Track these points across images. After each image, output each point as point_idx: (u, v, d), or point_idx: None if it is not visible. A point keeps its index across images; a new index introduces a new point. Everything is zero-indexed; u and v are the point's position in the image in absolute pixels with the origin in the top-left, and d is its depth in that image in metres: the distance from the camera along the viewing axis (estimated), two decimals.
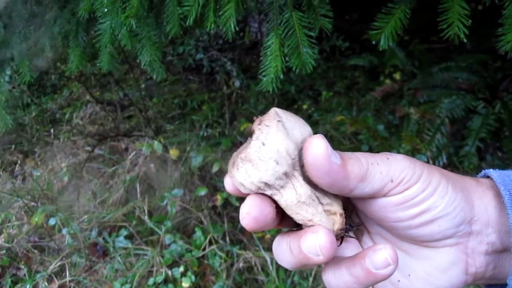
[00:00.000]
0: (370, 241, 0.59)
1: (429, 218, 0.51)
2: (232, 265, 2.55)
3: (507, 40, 1.08)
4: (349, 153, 0.50)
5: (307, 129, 0.50)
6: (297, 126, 0.49)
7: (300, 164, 0.48)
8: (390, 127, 3.27)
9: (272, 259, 2.51)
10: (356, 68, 4.10)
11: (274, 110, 0.48)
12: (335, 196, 0.52)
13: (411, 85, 3.56)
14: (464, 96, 3.14)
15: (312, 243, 0.47)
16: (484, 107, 3.08)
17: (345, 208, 0.53)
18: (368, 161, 0.49)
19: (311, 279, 2.42)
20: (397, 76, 3.82)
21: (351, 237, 0.56)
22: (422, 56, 3.94)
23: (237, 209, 2.88)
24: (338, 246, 0.54)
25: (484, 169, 0.59)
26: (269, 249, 2.61)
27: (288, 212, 0.49)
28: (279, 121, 0.47)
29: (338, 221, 0.51)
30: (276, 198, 0.48)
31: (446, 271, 0.54)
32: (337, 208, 0.51)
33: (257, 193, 0.48)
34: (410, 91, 3.50)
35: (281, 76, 1.25)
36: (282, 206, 0.49)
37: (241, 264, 2.54)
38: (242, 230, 2.77)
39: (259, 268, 2.51)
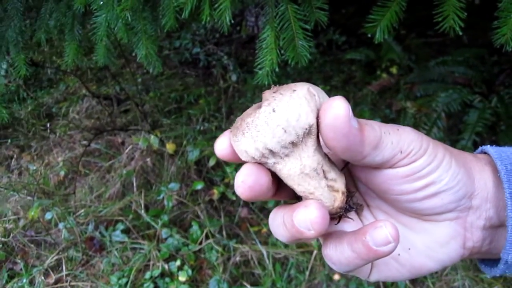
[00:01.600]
0: (370, 215, 0.59)
1: (433, 191, 0.51)
2: (228, 259, 2.56)
3: (503, 33, 1.08)
4: (364, 120, 0.49)
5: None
6: (322, 93, 0.48)
7: (313, 133, 0.47)
8: (386, 121, 3.25)
9: (268, 253, 2.52)
10: (353, 62, 4.10)
11: (306, 85, 0.47)
12: (341, 174, 0.51)
13: (408, 79, 3.56)
14: (461, 90, 3.15)
15: (303, 217, 0.47)
16: (480, 101, 3.08)
17: (347, 189, 0.53)
18: (381, 129, 0.49)
19: (307, 272, 2.42)
20: (393, 70, 3.82)
21: (350, 218, 0.56)
22: (419, 50, 3.94)
23: (233, 203, 2.88)
24: (336, 224, 0.54)
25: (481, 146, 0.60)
26: (265, 243, 2.61)
27: (290, 182, 0.49)
28: (295, 90, 0.45)
29: (339, 198, 0.50)
30: (278, 167, 0.47)
31: (445, 244, 0.54)
32: (340, 185, 0.50)
33: (255, 162, 0.47)
34: (407, 85, 3.50)
35: (277, 69, 1.24)
36: (284, 176, 0.48)
37: (237, 258, 2.55)
38: (239, 224, 2.78)
39: (256, 262, 2.51)
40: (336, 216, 0.53)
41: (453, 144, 2.98)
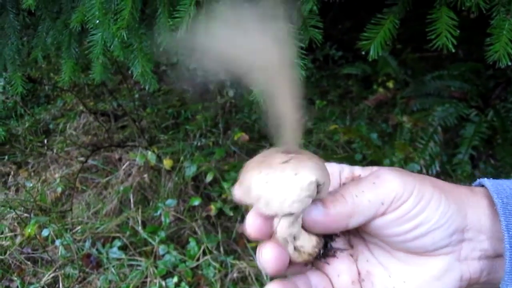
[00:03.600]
0: (367, 251, 0.59)
1: (423, 231, 0.52)
2: (226, 275, 2.54)
3: (495, 49, 1.09)
4: (332, 195, 0.51)
5: (328, 181, 0.52)
6: (327, 179, 0.51)
7: (295, 215, 0.51)
8: (383, 136, 3.28)
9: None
10: (349, 77, 4.12)
11: (309, 177, 0.50)
12: (310, 239, 0.54)
13: (404, 94, 3.58)
14: (457, 104, 3.16)
15: (261, 257, 0.51)
16: (476, 115, 3.09)
17: (325, 236, 0.55)
18: (352, 194, 0.50)
19: None
20: (390, 84, 3.83)
21: (326, 263, 0.58)
22: (415, 65, 3.96)
23: (231, 219, 2.88)
24: (308, 267, 0.58)
25: (479, 178, 0.61)
26: None
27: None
28: (296, 174, 0.49)
29: (304, 256, 0.53)
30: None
31: (441, 277, 0.54)
32: (307, 249, 0.53)
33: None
34: (403, 99, 3.52)
35: None
36: None
37: (235, 274, 2.53)
38: (236, 240, 2.77)
39: (253, 278, 2.50)
40: (308, 262, 0.56)
41: (450, 158, 2.99)
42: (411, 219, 0.51)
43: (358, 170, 0.59)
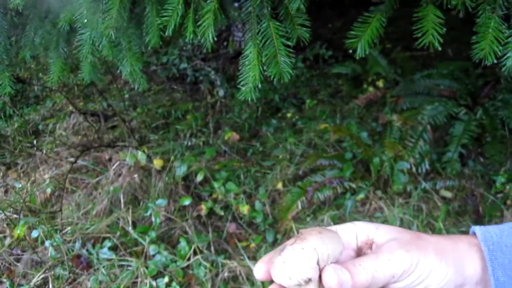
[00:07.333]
0: None
1: None
2: (217, 275, 2.54)
3: (481, 47, 1.10)
4: (357, 265, 0.58)
5: (338, 250, 0.59)
6: (329, 248, 0.58)
7: (313, 281, 0.57)
8: (373, 134, 3.29)
9: None
10: (340, 76, 4.13)
11: (313, 236, 0.58)
12: None
13: (394, 93, 3.59)
14: (446, 102, 3.18)
15: None
16: (465, 114, 3.11)
17: None
18: (372, 270, 0.57)
19: None
20: (380, 83, 3.85)
21: None
22: (405, 64, 3.98)
23: (221, 219, 2.88)
24: None
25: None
26: (254, 258, 2.60)
27: None
28: (304, 248, 0.57)
29: None
30: None
31: None
32: None
33: None
34: (393, 98, 3.53)
35: (260, 85, 1.26)
36: None
37: (226, 274, 2.53)
38: (227, 239, 2.77)
39: (244, 278, 2.50)
40: None
41: (439, 156, 3.01)
42: (416, 286, 0.58)
43: (372, 232, 0.65)
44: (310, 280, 0.56)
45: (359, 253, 0.65)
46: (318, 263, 0.57)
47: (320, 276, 0.57)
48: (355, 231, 0.65)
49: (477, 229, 0.63)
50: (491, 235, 0.61)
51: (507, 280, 0.58)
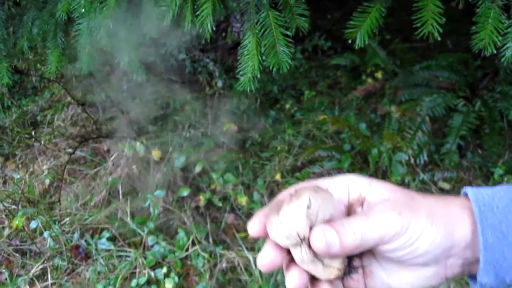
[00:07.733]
0: (371, 256, 0.66)
1: (415, 255, 0.59)
2: (215, 265, 2.55)
3: (481, 38, 1.09)
4: (346, 226, 0.58)
5: (329, 211, 0.60)
6: (322, 208, 0.59)
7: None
8: (372, 126, 3.29)
9: (255, 259, 2.51)
10: (338, 68, 4.12)
11: (307, 196, 0.58)
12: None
13: (392, 84, 3.58)
14: (445, 94, 3.17)
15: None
16: (464, 105, 3.11)
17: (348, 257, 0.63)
18: (362, 232, 0.58)
19: None
20: (378, 75, 3.84)
21: (351, 278, 0.65)
22: (404, 55, 3.97)
23: (220, 210, 2.88)
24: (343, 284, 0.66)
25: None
26: (252, 249, 2.61)
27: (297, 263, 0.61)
28: (301, 207, 0.58)
29: (334, 272, 0.60)
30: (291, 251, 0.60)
31: (427, 278, 0.62)
32: (335, 264, 0.60)
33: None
34: (391, 89, 3.53)
35: (259, 75, 1.25)
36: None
37: (224, 264, 2.54)
38: (225, 230, 2.78)
39: (242, 268, 2.51)
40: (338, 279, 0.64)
41: (438, 148, 3.01)
42: (405, 248, 0.58)
43: (364, 187, 0.65)
44: (305, 238, 0.58)
45: (350, 209, 0.65)
46: (313, 222, 0.58)
47: None
48: (347, 186, 0.66)
49: (469, 190, 0.63)
50: (483, 196, 0.61)
51: (496, 241, 0.58)
